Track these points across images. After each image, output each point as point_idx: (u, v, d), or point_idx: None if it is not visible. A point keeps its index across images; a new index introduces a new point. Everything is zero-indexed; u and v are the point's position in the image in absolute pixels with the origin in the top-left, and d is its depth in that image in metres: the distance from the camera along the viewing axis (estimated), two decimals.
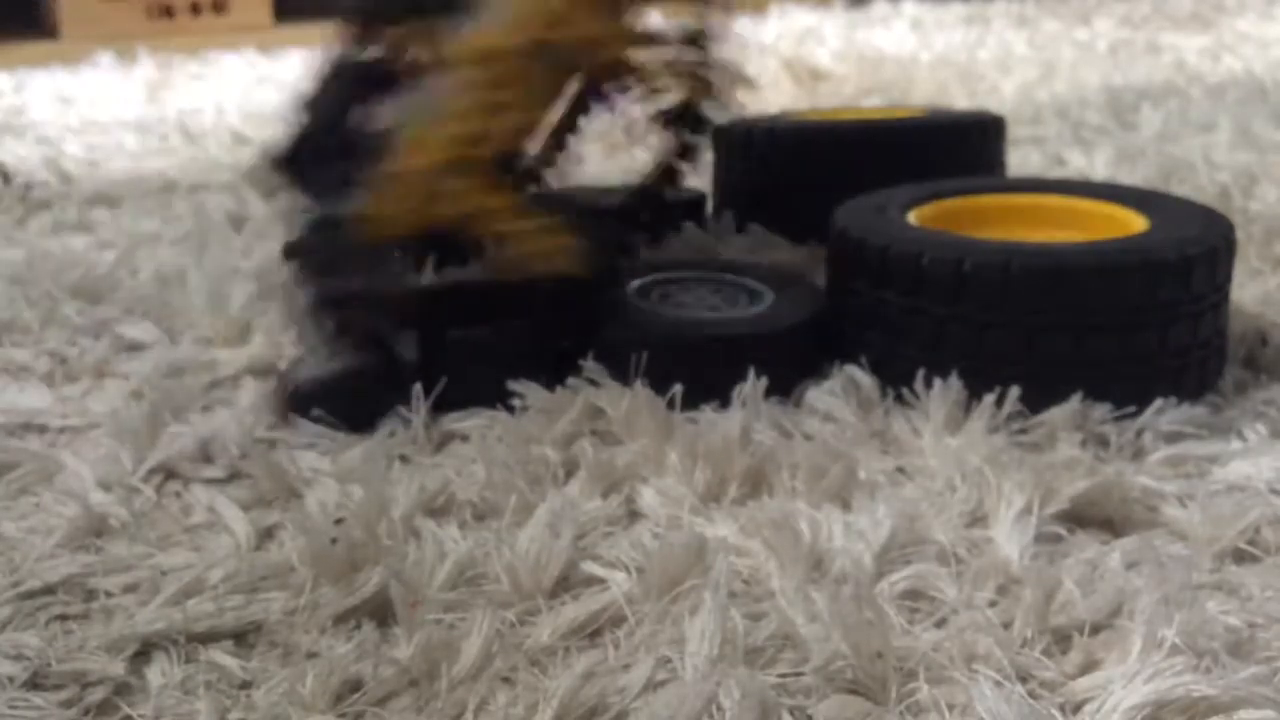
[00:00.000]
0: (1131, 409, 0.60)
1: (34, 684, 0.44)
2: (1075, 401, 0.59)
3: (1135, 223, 0.66)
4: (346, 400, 0.63)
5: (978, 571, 0.48)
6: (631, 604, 0.47)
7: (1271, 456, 0.57)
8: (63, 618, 0.49)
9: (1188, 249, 0.60)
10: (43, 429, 0.65)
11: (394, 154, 0.61)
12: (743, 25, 2.04)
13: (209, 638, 0.47)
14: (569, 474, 0.58)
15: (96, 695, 0.44)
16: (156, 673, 0.45)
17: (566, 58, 0.63)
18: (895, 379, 0.63)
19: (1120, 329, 0.59)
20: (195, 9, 2.00)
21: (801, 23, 2.04)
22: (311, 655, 0.46)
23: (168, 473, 0.60)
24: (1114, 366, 0.60)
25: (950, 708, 0.41)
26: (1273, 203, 0.96)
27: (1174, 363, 0.61)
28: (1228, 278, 0.63)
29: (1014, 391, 0.59)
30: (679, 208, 0.90)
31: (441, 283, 0.66)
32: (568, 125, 0.77)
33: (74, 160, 1.28)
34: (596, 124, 1.39)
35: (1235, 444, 0.59)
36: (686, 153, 0.81)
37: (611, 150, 1.28)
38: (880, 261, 0.63)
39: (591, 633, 0.47)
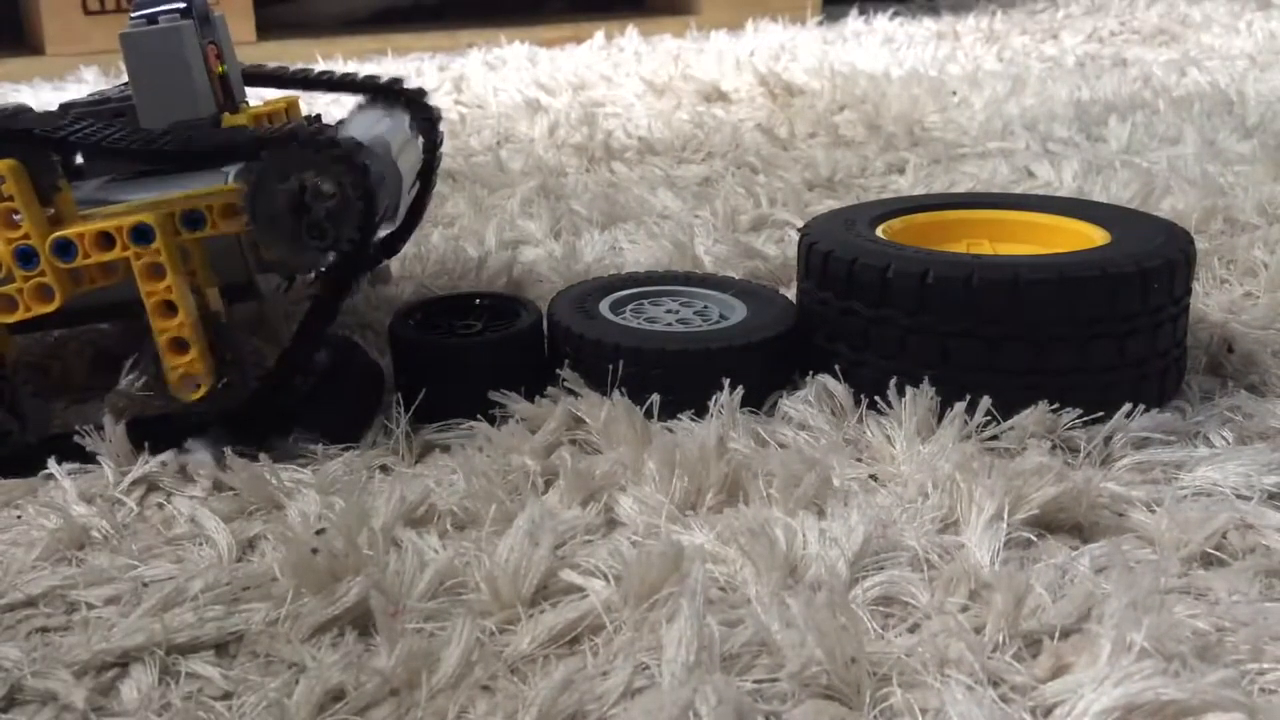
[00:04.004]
0: (1099, 415, 0.61)
1: (11, 700, 0.44)
2: (1043, 407, 0.60)
3: (1097, 237, 0.68)
4: (327, 413, 0.64)
5: (949, 577, 0.49)
6: (610, 612, 0.48)
7: (1237, 462, 0.58)
8: (44, 630, 0.49)
9: (1146, 262, 0.61)
10: None
11: None
12: (720, 40, 2.05)
13: (190, 649, 0.47)
14: (548, 483, 0.59)
15: (76, 707, 0.44)
16: (137, 684, 0.45)
17: None
18: (862, 388, 0.64)
19: (1079, 340, 0.61)
20: None
21: (776, 39, 2.06)
22: (293, 665, 0.46)
23: (150, 485, 0.60)
24: (1073, 376, 0.61)
25: (923, 712, 0.42)
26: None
27: (1133, 373, 0.62)
28: (1187, 290, 0.65)
29: (985, 400, 0.60)
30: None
31: None
32: None
33: None
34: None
35: (1202, 450, 0.60)
36: None
37: (593, 163, 1.28)
38: (848, 274, 0.64)
39: (570, 640, 0.47)
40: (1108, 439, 0.60)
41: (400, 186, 0.69)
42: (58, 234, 0.59)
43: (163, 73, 0.67)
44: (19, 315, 0.60)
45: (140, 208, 0.60)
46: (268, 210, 0.59)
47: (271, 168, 0.58)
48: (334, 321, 0.63)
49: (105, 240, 0.59)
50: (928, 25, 2.19)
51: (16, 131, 0.60)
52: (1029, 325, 0.61)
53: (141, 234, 0.59)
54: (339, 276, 0.61)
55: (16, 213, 0.59)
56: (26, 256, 0.59)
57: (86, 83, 1.81)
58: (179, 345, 0.60)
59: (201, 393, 0.61)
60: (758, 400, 0.65)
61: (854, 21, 2.19)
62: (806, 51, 1.92)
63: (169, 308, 0.60)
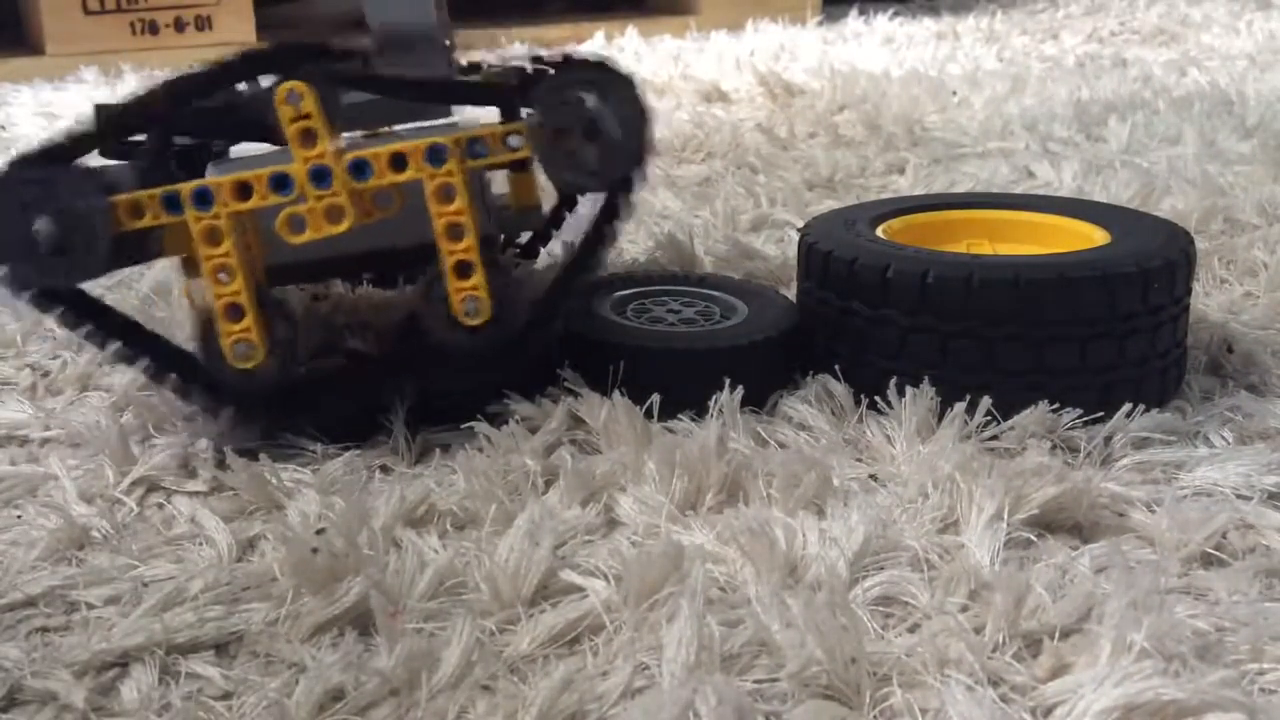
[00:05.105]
0: (1099, 415, 0.61)
1: (11, 700, 0.44)
2: (1043, 407, 0.60)
3: (1097, 237, 0.68)
4: (330, 409, 0.64)
5: (949, 577, 0.49)
6: (610, 612, 0.48)
7: (1237, 462, 0.58)
8: (44, 630, 0.49)
9: (1146, 262, 0.61)
10: (24, 441, 0.66)
11: None
12: (720, 40, 2.05)
13: (190, 649, 0.47)
14: (548, 483, 0.59)
15: (76, 707, 0.44)
16: (137, 684, 0.45)
17: None
18: (862, 388, 0.64)
19: (1079, 339, 0.61)
20: (179, 25, 2.00)
21: (776, 39, 2.05)
22: (293, 665, 0.46)
23: (150, 485, 0.60)
24: (1073, 376, 0.61)
25: (923, 712, 0.42)
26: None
27: (1133, 373, 0.62)
28: (1187, 290, 0.65)
29: (985, 400, 0.60)
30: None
31: None
32: None
33: None
34: None
35: (1202, 450, 0.60)
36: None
37: None
38: (848, 274, 0.64)
39: (570, 640, 0.47)
40: (1108, 439, 0.60)
41: None
42: (354, 154, 0.60)
43: (407, 32, 0.69)
44: (308, 236, 0.60)
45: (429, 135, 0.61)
46: (556, 130, 0.60)
47: (558, 88, 0.60)
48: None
49: (398, 162, 0.60)
50: (928, 25, 2.19)
51: (313, 52, 0.62)
52: (1029, 325, 0.61)
53: (436, 155, 0.59)
54: (614, 203, 0.63)
55: (313, 131, 0.59)
56: (320, 175, 0.59)
57: (86, 83, 1.81)
58: (464, 269, 0.61)
59: (481, 319, 0.61)
60: (759, 401, 0.65)
61: (854, 21, 2.19)
62: (806, 51, 1.92)
63: (457, 231, 0.60)
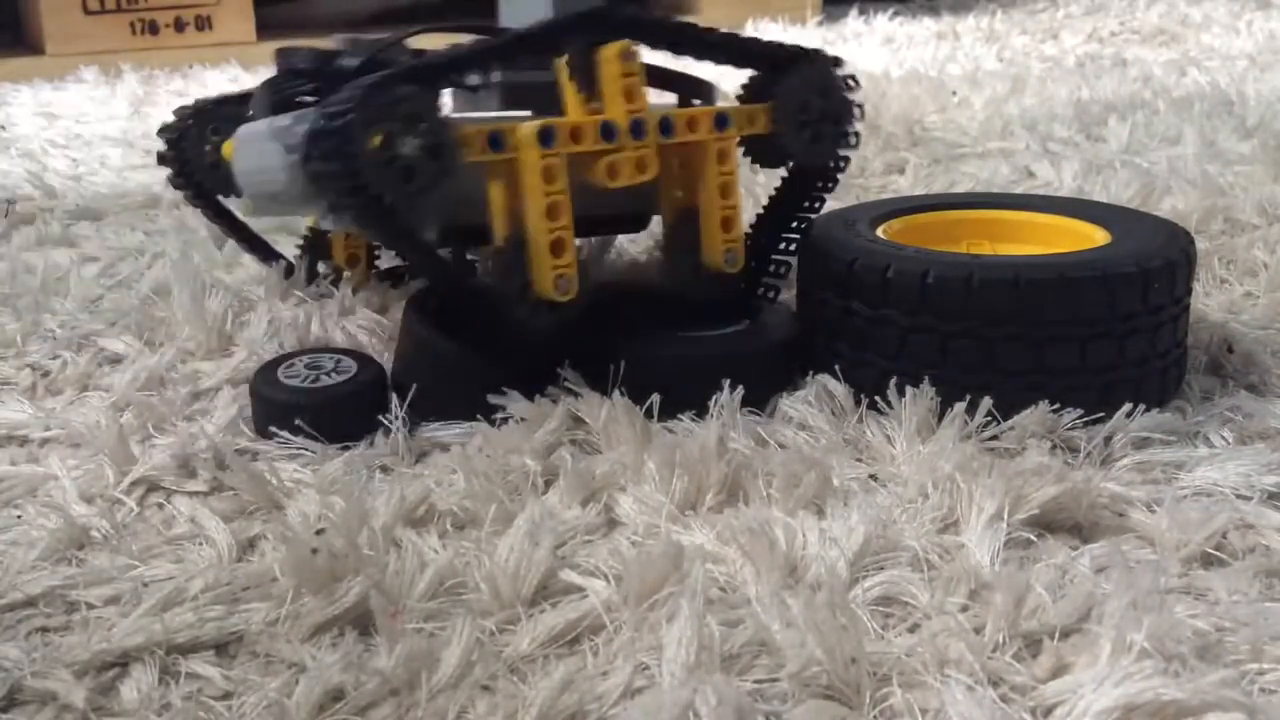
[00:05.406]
0: (1100, 415, 0.61)
1: (11, 700, 0.44)
2: (1043, 407, 0.60)
3: (1097, 237, 0.68)
4: (328, 412, 0.64)
5: (949, 577, 0.49)
6: (610, 612, 0.48)
7: (1238, 462, 0.58)
8: (44, 630, 0.49)
9: (1146, 262, 0.61)
10: (24, 441, 0.66)
11: None
12: None
13: (190, 649, 0.47)
14: (548, 483, 0.59)
15: (76, 707, 0.44)
16: (137, 684, 0.45)
17: None
18: (862, 388, 0.64)
19: (1079, 339, 0.61)
20: (179, 25, 2.00)
21: (776, 39, 2.06)
22: (293, 665, 0.46)
23: (150, 485, 0.60)
24: (1073, 376, 0.61)
25: (923, 712, 0.42)
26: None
27: (1133, 373, 0.62)
28: (1187, 290, 0.65)
29: (985, 400, 0.60)
30: None
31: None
32: None
33: (58, 175, 1.28)
34: None
35: (1202, 450, 0.60)
36: None
37: None
38: (848, 274, 0.64)
39: (570, 640, 0.47)
40: (1108, 439, 0.60)
41: None
42: (665, 112, 0.66)
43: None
44: (621, 181, 0.64)
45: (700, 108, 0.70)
46: (796, 109, 0.71)
47: (815, 75, 0.72)
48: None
49: (693, 124, 0.67)
50: (928, 25, 2.19)
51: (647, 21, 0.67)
52: (1029, 325, 0.61)
53: (721, 121, 0.68)
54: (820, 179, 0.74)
55: (637, 87, 0.64)
56: (638, 128, 0.64)
57: (86, 83, 1.82)
58: (728, 224, 0.68)
59: (740, 266, 0.68)
60: (759, 406, 0.65)
61: (854, 21, 2.19)
62: None
63: (728, 189, 0.68)
